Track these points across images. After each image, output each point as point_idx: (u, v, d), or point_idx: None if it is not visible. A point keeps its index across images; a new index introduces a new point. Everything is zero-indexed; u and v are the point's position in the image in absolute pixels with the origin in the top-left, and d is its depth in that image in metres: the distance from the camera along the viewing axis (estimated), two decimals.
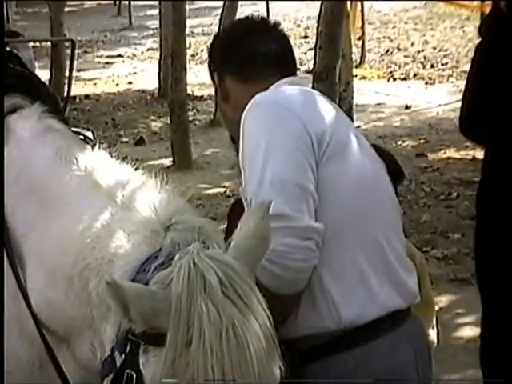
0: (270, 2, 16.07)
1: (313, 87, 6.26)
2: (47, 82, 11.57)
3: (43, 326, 2.26)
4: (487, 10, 4.50)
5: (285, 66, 2.56)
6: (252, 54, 2.56)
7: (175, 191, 2.17)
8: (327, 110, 2.38)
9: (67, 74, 12.29)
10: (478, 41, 4.03)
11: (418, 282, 2.53)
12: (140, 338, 1.87)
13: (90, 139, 2.58)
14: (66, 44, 11.18)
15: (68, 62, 11.54)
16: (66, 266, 2.16)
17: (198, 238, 1.97)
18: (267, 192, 2.16)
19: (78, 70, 14.34)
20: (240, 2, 11.21)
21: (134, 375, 1.88)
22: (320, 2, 6.22)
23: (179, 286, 1.81)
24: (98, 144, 2.44)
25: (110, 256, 2.05)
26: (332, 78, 6.02)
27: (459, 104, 3.99)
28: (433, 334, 3.37)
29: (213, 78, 2.63)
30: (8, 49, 2.99)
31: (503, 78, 3.75)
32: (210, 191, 8.19)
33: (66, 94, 3.40)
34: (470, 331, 5.09)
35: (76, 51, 2.97)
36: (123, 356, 1.93)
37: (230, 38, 2.63)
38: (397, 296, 2.33)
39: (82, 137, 2.56)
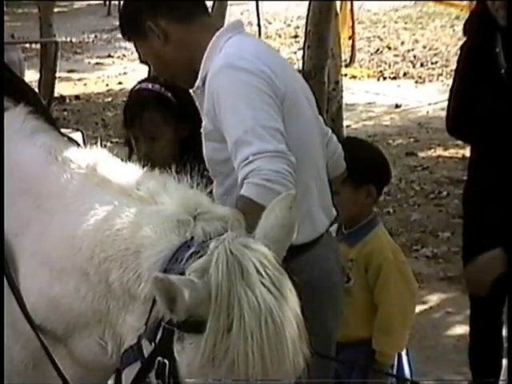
0: (259, 2, 16.07)
1: None
2: (37, 83, 11.56)
3: (39, 325, 2.26)
4: None
5: (206, 7, 2.90)
6: None
7: (187, 183, 2.19)
8: (284, 68, 2.76)
9: (57, 74, 12.29)
10: (464, 39, 4.06)
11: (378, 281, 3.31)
12: (177, 326, 1.91)
13: (75, 140, 2.58)
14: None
15: (58, 63, 11.53)
16: (78, 261, 2.16)
17: (227, 227, 2.03)
18: (257, 136, 2.51)
19: (68, 71, 14.33)
20: (229, 2, 11.19)
21: (167, 363, 1.93)
22: (308, 2, 6.23)
23: (219, 274, 1.87)
24: (87, 144, 2.44)
25: (136, 247, 2.07)
26: (320, 77, 6.03)
27: None
28: (383, 339, 3.32)
29: (137, 33, 2.79)
30: None
31: (489, 76, 3.77)
32: None
33: (51, 94, 3.41)
34: (460, 329, 5.10)
35: (59, 52, 2.98)
36: (153, 344, 1.97)
37: None
38: (326, 219, 2.82)
39: (66, 138, 2.55)
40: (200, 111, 2.84)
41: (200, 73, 2.76)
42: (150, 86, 3.21)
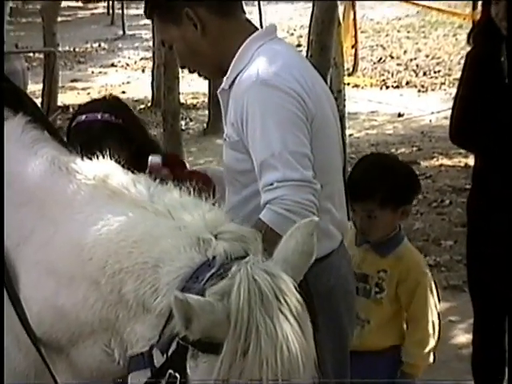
0: (262, 11, 16.11)
1: None
2: (40, 92, 11.57)
3: (43, 333, 2.26)
4: (478, 18, 4.52)
5: (243, 7, 2.83)
6: None
7: (204, 200, 2.19)
8: (315, 82, 2.70)
9: (60, 84, 12.32)
10: (469, 48, 4.07)
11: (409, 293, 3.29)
12: (191, 344, 1.93)
13: (76, 150, 2.57)
14: (59, 54, 11.18)
15: (61, 73, 11.59)
16: (87, 270, 2.17)
17: (247, 248, 2.05)
18: (284, 162, 2.49)
19: (72, 80, 14.37)
20: None
21: (179, 376, 1.96)
22: (311, 11, 6.24)
23: (240, 300, 1.90)
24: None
25: (155, 261, 2.08)
26: None
27: None
28: (416, 351, 3.37)
29: (170, 17, 2.71)
30: None
31: (493, 85, 3.78)
32: None
33: (51, 103, 3.39)
34: (463, 338, 5.11)
35: (63, 61, 2.96)
36: (165, 356, 2.00)
37: None
38: (340, 234, 2.85)
39: (67, 148, 2.53)
40: (223, 112, 2.82)
41: (228, 75, 2.72)
42: (98, 116, 3.17)
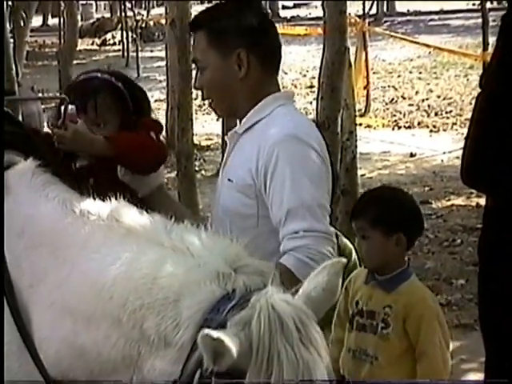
0: None
1: None
2: None
3: (57, 374, 2.27)
4: (489, 59, 4.56)
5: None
6: (277, 46, 2.85)
7: (221, 235, 2.23)
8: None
9: None
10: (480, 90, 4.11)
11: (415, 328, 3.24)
12: (215, 375, 1.94)
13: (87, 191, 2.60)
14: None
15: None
16: (108, 309, 2.18)
17: (266, 281, 2.07)
18: (312, 213, 2.64)
19: None
20: None
21: None
22: (321, 53, 6.32)
23: (261, 328, 1.92)
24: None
25: (176, 296, 2.09)
26: (334, 128, 6.07)
27: None
28: None
29: (219, 46, 2.76)
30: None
31: (505, 127, 3.81)
32: None
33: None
34: (475, 377, 5.07)
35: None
36: None
37: (261, 23, 2.83)
38: None
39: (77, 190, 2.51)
40: (226, 153, 2.89)
41: (244, 121, 2.82)
42: (98, 74, 3.10)
